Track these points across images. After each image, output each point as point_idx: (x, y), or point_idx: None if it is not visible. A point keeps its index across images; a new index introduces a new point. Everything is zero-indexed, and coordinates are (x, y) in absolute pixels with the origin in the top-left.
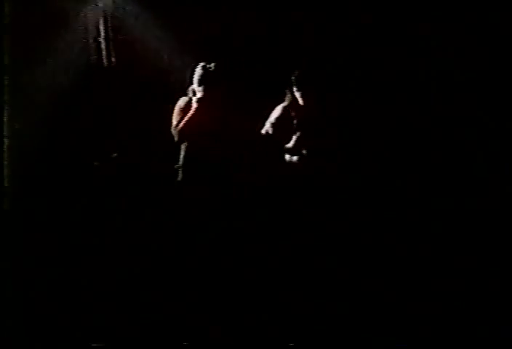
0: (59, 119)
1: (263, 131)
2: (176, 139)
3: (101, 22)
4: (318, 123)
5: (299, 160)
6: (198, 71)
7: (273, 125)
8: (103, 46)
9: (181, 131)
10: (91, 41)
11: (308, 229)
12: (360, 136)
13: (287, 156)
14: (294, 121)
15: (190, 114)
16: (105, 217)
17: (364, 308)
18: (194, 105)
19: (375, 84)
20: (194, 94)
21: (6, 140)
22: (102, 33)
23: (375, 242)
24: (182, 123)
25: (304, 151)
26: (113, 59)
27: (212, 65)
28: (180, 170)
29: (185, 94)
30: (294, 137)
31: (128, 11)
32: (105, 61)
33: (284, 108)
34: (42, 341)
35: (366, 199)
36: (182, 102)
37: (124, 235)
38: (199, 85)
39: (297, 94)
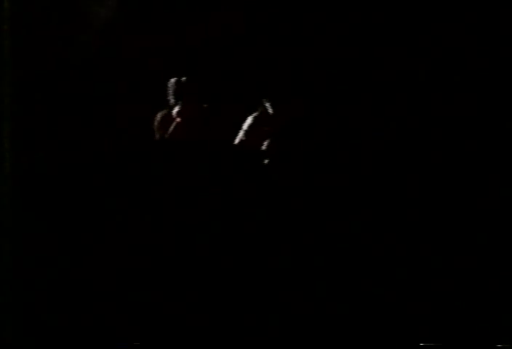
0: (57, 114)
1: (237, 140)
2: (161, 152)
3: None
4: (291, 131)
5: (274, 166)
6: (172, 86)
7: (247, 133)
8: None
9: (166, 147)
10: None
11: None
12: (349, 139)
13: (261, 162)
14: (267, 129)
15: (172, 128)
16: (104, 217)
17: (364, 308)
18: (175, 118)
19: (364, 88)
20: (170, 107)
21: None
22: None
23: (370, 242)
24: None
25: (279, 157)
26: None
27: (184, 78)
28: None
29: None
30: (267, 143)
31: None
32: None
33: (256, 118)
34: (42, 341)
35: (355, 201)
36: (160, 116)
37: (124, 235)
38: (175, 99)
39: (267, 104)
